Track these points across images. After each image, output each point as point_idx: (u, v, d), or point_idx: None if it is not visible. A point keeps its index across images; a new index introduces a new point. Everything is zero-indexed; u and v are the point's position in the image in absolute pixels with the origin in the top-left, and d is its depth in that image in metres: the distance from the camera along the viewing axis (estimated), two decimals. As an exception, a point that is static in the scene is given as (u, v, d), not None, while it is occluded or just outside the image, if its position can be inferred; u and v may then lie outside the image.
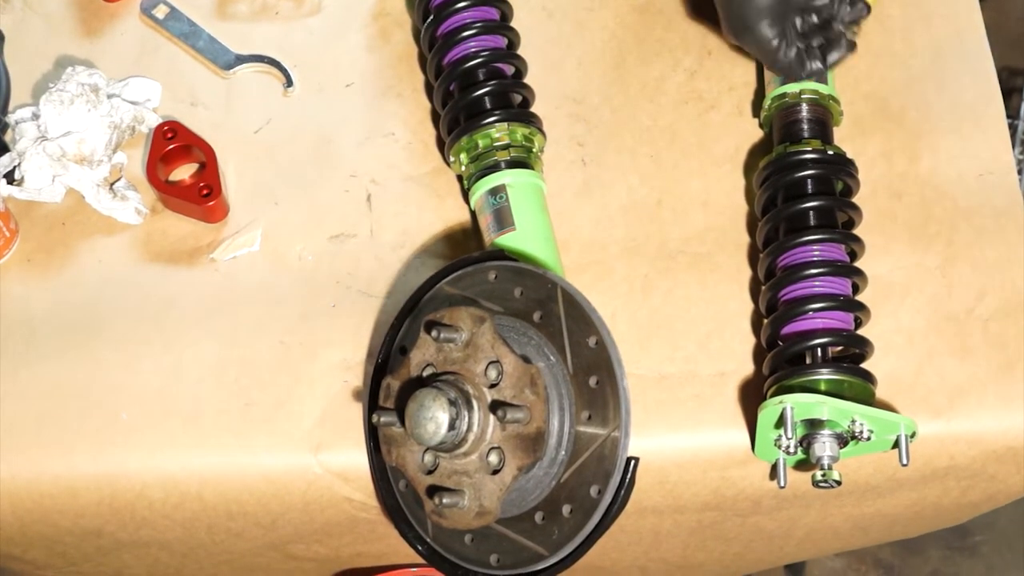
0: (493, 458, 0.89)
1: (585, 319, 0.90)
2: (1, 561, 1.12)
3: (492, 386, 0.89)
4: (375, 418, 0.93)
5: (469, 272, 0.97)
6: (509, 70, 1.11)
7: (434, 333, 0.90)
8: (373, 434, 0.99)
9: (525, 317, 0.93)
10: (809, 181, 1.02)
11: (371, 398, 1.00)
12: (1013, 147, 1.16)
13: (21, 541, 1.07)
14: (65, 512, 1.03)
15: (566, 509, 0.89)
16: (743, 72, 1.16)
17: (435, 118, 1.15)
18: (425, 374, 0.93)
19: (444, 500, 0.89)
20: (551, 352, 0.91)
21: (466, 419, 0.88)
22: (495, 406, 0.88)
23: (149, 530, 1.05)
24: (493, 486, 0.89)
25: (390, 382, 0.95)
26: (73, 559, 1.11)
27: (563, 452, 0.89)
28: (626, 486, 0.87)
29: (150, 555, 1.11)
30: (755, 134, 1.13)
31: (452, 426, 0.87)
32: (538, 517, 0.90)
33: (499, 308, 0.94)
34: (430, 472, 0.92)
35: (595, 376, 0.89)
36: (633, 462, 0.87)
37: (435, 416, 0.87)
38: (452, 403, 0.87)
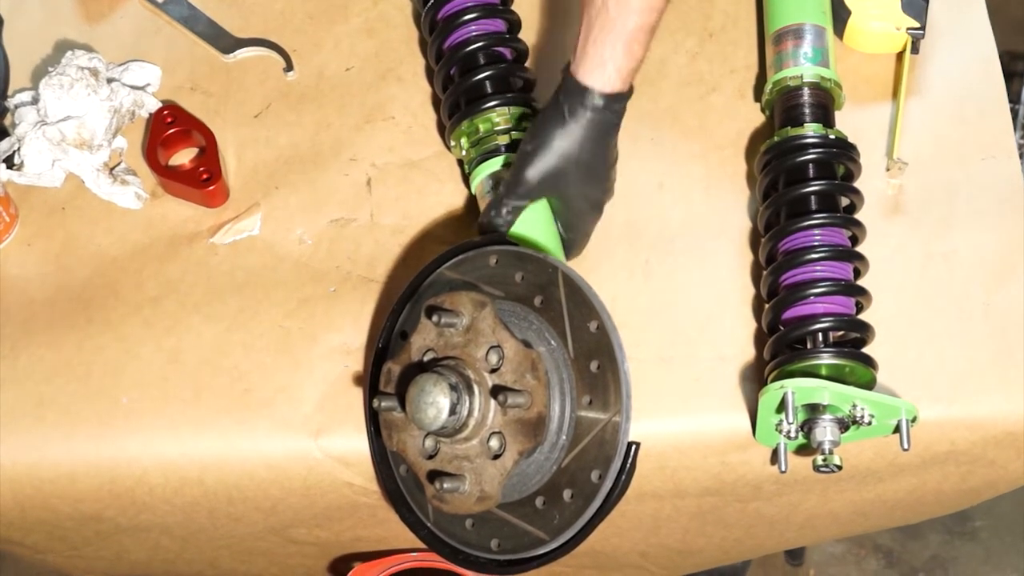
0: (494, 443, 0.89)
1: (586, 304, 0.89)
2: (2, 546, 1.12)
3: (493, 371, 0.89)
4: (376, 403, 0.93)
5: (470, 257, 0.96)
6: (510, 54, 1.11)
7: (435, 318, 0.90)
8: (374, 419, 0.99)
9: (526, 302, 0.92)
10: (810, 165, 1.02)
11: (372, 383, 1.00)
12: (1015, 131, 1.16)
13: (21, 526, 1.07)
14: (65, 497, 1.03)
15: (567, 494, 0.89)
16: (745, 55, 1.16)
17: (435, 102, 1.15)
18: (426, 359, 0.93)
19: (445, 485, 0.89)
20: (552, 337, 0.91)
21: (467, 404, 0.88)
22: (496, 391, 0.88)
23: (149, 515, 1.05)
24: (494, 471, 0.89)
25: (391, 367, 0.95)
26: (73, 543, 1.11)
27: (564, 437, 0.89)
28: (627, 471, 0.87)
29: (150, 540, 1.11)
30: (757, 118, 1.13)
31: (453, 411, 0.87)
32: (539, 502, 0.90)
33: (500, 293, 0.94)
34: (431, 457, 0.92)
35: (596, 361, 0.89)
36: (634, 447, 0.87)
37: (436, 401, 0.87)
38: (453, 388, 0.87)
